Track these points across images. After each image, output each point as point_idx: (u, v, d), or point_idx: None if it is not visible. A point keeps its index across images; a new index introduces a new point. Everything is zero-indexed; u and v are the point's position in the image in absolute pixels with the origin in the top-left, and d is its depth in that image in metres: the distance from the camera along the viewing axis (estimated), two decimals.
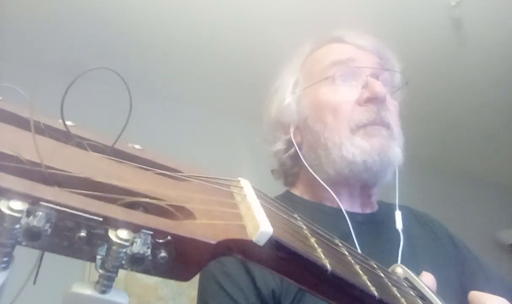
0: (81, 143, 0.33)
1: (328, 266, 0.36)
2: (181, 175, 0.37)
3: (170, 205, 0.30)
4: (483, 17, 2.16)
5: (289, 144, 0.89)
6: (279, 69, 0.97)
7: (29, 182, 0.26)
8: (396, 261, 0.78)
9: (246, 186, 0.39)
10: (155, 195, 0.31)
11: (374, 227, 0.84)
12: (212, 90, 2.70)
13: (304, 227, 0.42)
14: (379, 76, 0.85)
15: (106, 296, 0.27)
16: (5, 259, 0.25)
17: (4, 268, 0.25)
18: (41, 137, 0.31)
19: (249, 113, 2.01)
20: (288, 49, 0.97)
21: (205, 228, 0.30)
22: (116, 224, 0.26)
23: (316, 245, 0.38)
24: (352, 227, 0.78)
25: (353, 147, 0.79)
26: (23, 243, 0.25)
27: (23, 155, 0.27)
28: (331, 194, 0.82)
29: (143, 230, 0.27)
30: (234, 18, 2.22)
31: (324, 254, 0.37)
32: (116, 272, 0.27)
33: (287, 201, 0.72)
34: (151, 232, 0.28)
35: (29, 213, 0.25)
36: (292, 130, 0.88)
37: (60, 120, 0.34)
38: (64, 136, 0.33)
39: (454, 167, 3.20)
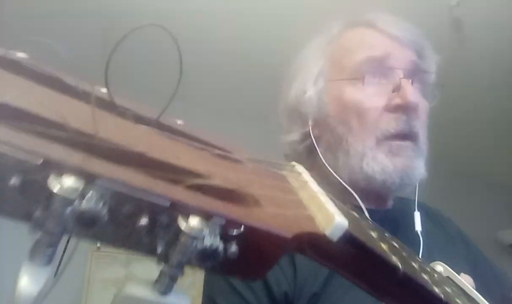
0: (124, 113, 0.28)
1: (400, 266, 0.31)
2: (233, 155, 0.32)
3: (240, 190, 0.25)
4: (483, 17, 2.13)
5: (306, 136, 0.82)
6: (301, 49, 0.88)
7: (82, 155, 0.20)
8: None
9: (304, 172, 0.34)
10: (217, 177, 0.26)
11: (392, 224, 0.80)
12: (219, 91, 2.63)
13: (359, 217, 0.37)
14: (413, 78, 0.77)
15: (167, 300, 0.22)
16: (50, 249, 0.20)
17: (48, 262, 0.20)
18: (82, 103, 0.26)
19: (256, 113, 1.95)
20: (298, 48, 0.90)
21: (277, 218, 0.26)
22: (187, 210, 0.21)
23: (379, 240, 0.34)
24: None
25: (375, 163, 0.73)
26: (74, 232, 0.20)
27: (69, 122, 0.22)
28: (346, 191, 0.76)
29: (215, 219, 0.22)
30: (244, 16, 2.15)
31: (390, 251, 0.33)
32: (182, 270, 0.22)
33: None
34: (224, 222, 0.23)
35: (82, 193, 0.19)
36: (310, 123, 0.80)
37: (98, 87, 0.29)
38: (105, 105, 0.28)
39: (454, 167, 3.17)
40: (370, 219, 0.41)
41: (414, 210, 0.82)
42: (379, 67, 0.76)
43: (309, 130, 0.80)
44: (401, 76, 0.75)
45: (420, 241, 0.77)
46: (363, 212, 0.74)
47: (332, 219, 0.28)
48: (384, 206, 0.83)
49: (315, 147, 0.79)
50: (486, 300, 0.49)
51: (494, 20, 2.14)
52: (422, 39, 0.83)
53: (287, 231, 0.25)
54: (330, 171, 0.76)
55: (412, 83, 0.76)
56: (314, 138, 0.80)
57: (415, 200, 0.82)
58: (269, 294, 0.68)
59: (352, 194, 0.75)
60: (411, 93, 0.73)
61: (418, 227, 0.79)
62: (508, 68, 2.38)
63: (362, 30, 0.82)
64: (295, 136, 0.83)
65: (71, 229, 0.20)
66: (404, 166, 0.73)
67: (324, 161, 0.78)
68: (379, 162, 0.73)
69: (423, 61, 0.82)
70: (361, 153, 0.74)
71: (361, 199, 0.76)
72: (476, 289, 0.79)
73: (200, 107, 2.64)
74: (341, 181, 0.75)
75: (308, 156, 0.83)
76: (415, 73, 0.79)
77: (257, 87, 2.28)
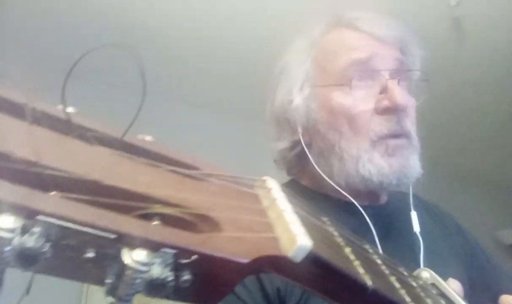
0: (84, 135, 0.28)
1: (369, 283, 0.31)
2: (200, 174, 0.31)
3: (195, 215, 0.25)
4: (483, 17, 2.12)
5: (296, 143, 0.81)
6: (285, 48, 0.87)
7: (24, 188, 0.20)
8: (413, 259, 0.74)
9: (275, 187, 0.33)
10: (176, 201, 0.26)
11: (387, 220, 0.80)
12: (215, 90, 2.62)
13: (335, 233, 0.37)
14: (399, 78, 0.76)
15: None
16: None
17: None
18: (36, 127, 0.25)
19: (251, 113, 1.95)
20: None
21: (234, 243, 0.25)
22: (132, 242, 0.21)
23: (352, 256, 0.34)
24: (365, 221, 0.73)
25: (371, 165, 0.73)
26: (17, 267, 0.20)
27: (15, 151, 0.22)
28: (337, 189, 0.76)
29: (165, 249, 0.22)
30: (238, 16, 2.13)
31: (363, 268, 0.33)
32: (131, 301, 0.22)
33: (294, 190, 0.65)
34: (174, 251, 0.22)
35: (23, 230, 0.19)
36: (300, 131, 0.79)
37: (59, 107, 0.29)
38: (64, 126, 0.27)
39: (453, 167, 3.15)
40: (351, 232, 0.41)
41: (410, 210, 0.81)
42: (364, 70, 0.76)
43: (299, 138, 0.79)
44: (387, 77, 0.75)
45: (420, 241, 0.77)
46: (355, 210, 0.74)
47: (294, 241, 0.27)
48: (377, 202, 0.82)
49: (307, 154, 0.79)
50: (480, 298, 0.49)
51: (494, 20, 2.13)
52: (406, 34, 0.82)
53: (244, 256, 0.25)
54: (323, 177, 0.76)
55: (398, 82, 0.75)
56: (305, 145, 0.79)
57: (410, 199, 0.81)
58: (262, 290, 0.68)
59: (345, 195, 0.75)
60: (399, 95, 0.73)
61: (416, 228, 0.79)
62: (508, 68, 2.36)
63: (344, 31, 0.81)
64: (284, 144, 0.82)
65: (13, 266, 0.20)
66: (400, 166, 0.73)
67: (317, 168, 0.77)
68: (375, 164, 0.72)
69: (408, 57, 0.81)
70: (356, 156, 0.74)
71: (354, 196, 0.76)
72: (474, 281, 0.79)
73: (195, 107, 2.65)
74: (333, 184, 0.75)
75: (299, 163, 0.83)
76: (401, 72, 0.78)
77: (253, 87, 2.29)
